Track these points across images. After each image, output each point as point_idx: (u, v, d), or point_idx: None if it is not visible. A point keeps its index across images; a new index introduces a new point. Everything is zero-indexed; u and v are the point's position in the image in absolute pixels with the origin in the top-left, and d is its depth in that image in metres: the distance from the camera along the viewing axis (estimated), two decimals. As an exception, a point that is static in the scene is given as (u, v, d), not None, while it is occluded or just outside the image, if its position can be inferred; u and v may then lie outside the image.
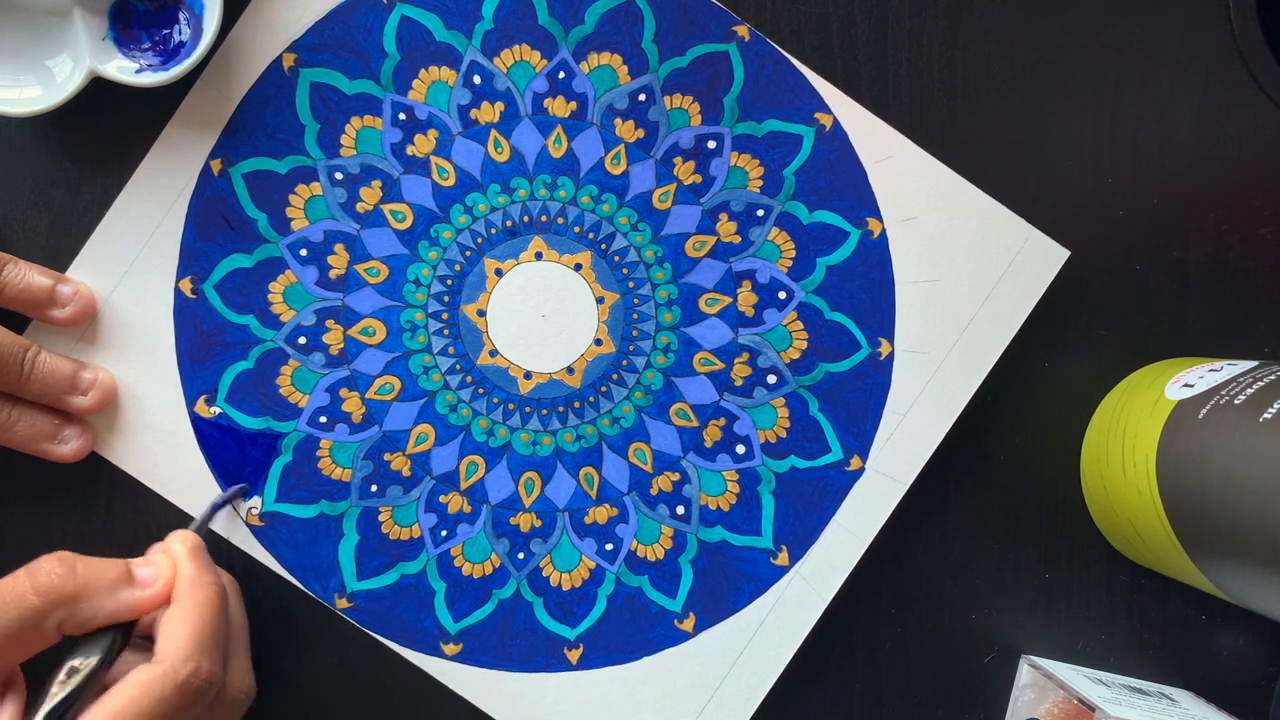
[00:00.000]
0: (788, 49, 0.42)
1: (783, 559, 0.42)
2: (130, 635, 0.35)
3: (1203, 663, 0.43)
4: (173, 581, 0.36)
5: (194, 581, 0.36)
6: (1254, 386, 0.35)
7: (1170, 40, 0.43)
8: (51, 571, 0.34)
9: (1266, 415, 0.33)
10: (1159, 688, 0.42)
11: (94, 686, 0.34)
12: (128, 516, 0.42)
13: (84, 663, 0.34)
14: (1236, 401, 0.35)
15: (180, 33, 0.40)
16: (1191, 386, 0.38)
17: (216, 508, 0.41)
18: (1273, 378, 0.35)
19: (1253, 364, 0.38)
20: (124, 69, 0.40)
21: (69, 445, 0.40)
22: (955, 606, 0.43)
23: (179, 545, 0.37)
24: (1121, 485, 0.40)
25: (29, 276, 0.39)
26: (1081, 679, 0.41)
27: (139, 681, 0.33)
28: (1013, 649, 0.43)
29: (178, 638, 0.34)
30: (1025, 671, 0.43)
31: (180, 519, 0.41)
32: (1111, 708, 0.38)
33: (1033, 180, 0.43)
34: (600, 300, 0.42)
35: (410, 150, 0.42)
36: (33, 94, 0.39)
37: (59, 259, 0.41)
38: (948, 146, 0.43)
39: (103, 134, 0.41)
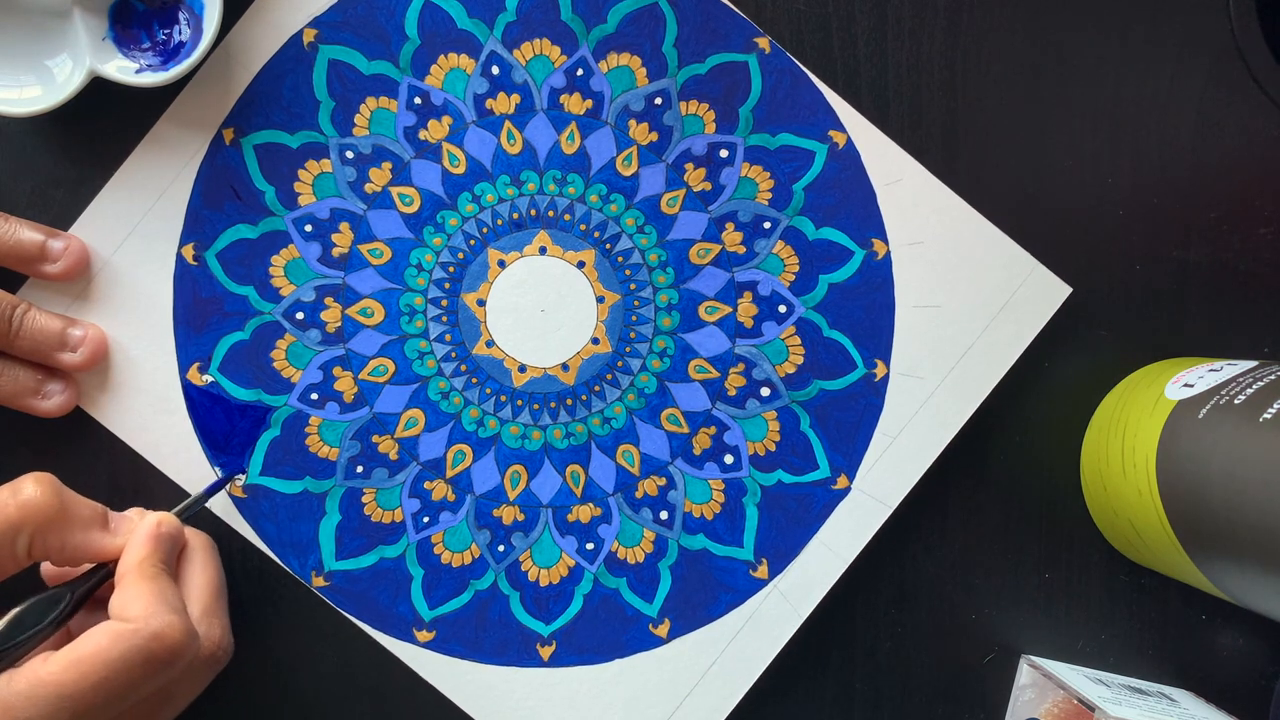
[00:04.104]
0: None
1: (762, 572, 0.42)
2: (81, 604, 0.35)
3: (1203, 663, 0.43)
4: (142, 537, 0.36)
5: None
6: (1254, 386, 0.35)
7: (1170, 40, 0.43)
8: (35, 490, 0.34)
9: (1266, 415, 0.33)
10: (1159, 688, 0.43)
11: (35, 640, 0.33)
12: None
13: (27, 612, 0.34)
14: (1236, 401, 0.35)
15: (180, 33, 0.40)
16: (1191, 386, 0.38)
17: (206, 496, 0.41)
18: (1273, 378, 0.35)
19: (1253, 364, 0.38)
20: (124, 69, 0.39)
21: (52, 400, 0.40)
22: (955, 606, 0.43)
23: (154, 524, 0.37)
24: (1121, 485, 0.40)
25: (19, 232, 0.39)
26: (1081, 679, 0.41)
27: (110, 630, 0.32)
28: (1013, 649, 0.44)
29: (145, 599, 0.34)
30: (1025, 671, 0.43)
31: (166, 484, 0.41)
32: (1111, 708, 0.37)
33: (1032, 181, 0.43)
34: (600, 299, 0.42)
35: (423, 135, 0.42)
36: (33, 94, 0.39)
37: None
38: (947, 147, 0.43)
39: (103, 134, 0.41)
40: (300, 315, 0.42)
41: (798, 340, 0.43)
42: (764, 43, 0.42)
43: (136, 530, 0.36)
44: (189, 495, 0.41)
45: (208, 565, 0.39)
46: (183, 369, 0.42)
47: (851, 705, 0.43)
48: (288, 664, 0.42)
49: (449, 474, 0.42)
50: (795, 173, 0.42)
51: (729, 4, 0.42)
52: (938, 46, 0.43)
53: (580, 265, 0.42)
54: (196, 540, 0.39)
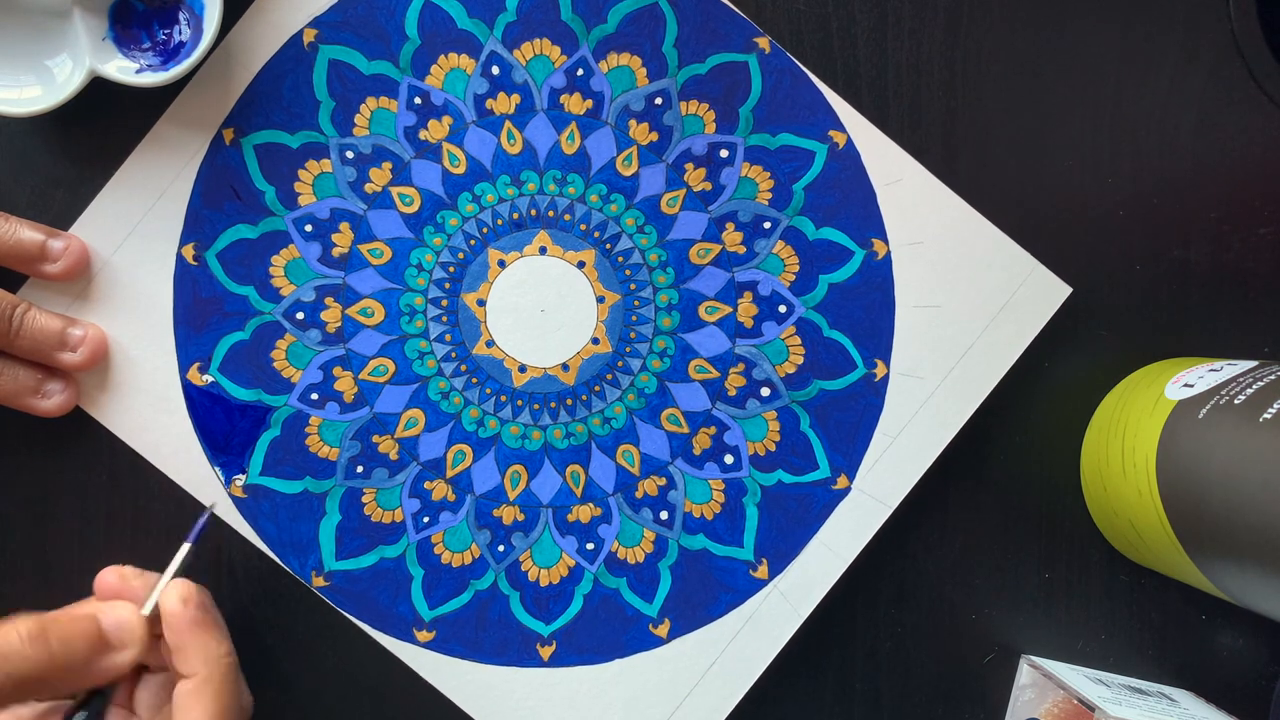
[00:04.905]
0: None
1: (762, 572, 0.42)
2: (110, 697, 0.36)
3: (1203, 663, 0.43)
4: (144, 638, 0.36)
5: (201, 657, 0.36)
6: (1254, 386, 0.35)
7: (1170, 40, 0.43)
8: (23, 652, 0.32)
9: (1266, 415, 0.33)
10: (1159, 688, 0.43)
11: None
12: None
13: None
14: (1236, 401, 0.35)
15: (180, 33, 0.40)
16: (1191, 386, 0.38)
17: (194, 541, 0.39)
18: (1273, 378, 0.35)
19: (1253, 364, 0.38)
20: (124, 69, 0.39)
21: (52, 400, 0.40)
22: (955, 606, 0.44)
23: (175, 604, 0.36)
24: (1121, 485, 0.40)
25: (19, 232, 0.39)
26: (1081, 679, 0.41)
27: None
28: (1013, 649, 0.44)
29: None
30: (1025, 671, 0.43)
31: (166, 484, 0.41)
32: (1111, 708, 0.38)
33: (1032, 181, 0.43)
34: (601, 299, 0.42)
35: (423, 135, 0.42)
36: (33, 94, 0.39)
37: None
38: (947, 147, 0.43)
39: (103, 134, 0.41)
40: (300, 315, 0.42)
41: (798, 340, 0.43)
42: (764, 43, 0.42)
43: (172, 627, 0.35)
44: (186, 493, 0.41)
45: (217, 627, 0.38)
46: (183, 369, 0.42)
47: (851, 705, 0.43)
48: (288, 664, 0.42)
49: (449, 474, 0.42)
50: (795, 173, 0.42)
51: (729, 4, 0.42)
52: (938, 46, 0.43)
53: (580, 265, 0.42)
54: (198, 658, 0.36)
